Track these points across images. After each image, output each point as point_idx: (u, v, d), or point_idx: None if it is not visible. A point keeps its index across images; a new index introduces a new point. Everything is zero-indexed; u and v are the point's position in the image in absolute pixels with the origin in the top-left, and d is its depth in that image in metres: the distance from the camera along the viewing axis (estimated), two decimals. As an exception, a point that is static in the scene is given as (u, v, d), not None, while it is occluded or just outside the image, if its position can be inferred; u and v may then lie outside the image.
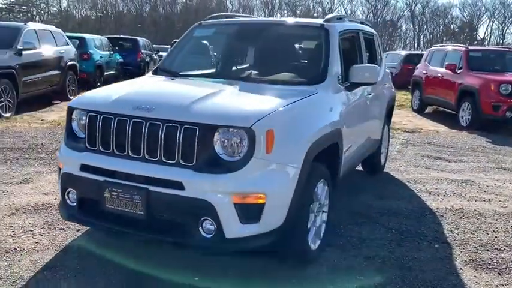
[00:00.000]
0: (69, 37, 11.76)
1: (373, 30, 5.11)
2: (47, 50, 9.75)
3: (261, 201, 2.53)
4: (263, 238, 2.61)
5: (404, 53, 19.58)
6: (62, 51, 10.43)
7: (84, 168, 2.81)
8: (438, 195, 4.79)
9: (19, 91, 8.44)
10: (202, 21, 4.21)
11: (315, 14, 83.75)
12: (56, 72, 10.03)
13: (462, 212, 4.28)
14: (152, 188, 2.58)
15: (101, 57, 13.51)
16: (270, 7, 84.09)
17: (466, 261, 3.30)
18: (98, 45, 13.73)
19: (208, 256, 3.06)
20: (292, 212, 2.70)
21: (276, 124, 2.62)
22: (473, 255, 3.39)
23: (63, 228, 3.55)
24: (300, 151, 2.70)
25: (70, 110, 2.99)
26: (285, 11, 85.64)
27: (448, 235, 3.75)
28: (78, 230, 3.50)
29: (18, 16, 70.69)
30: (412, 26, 77.28)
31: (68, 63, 10.60)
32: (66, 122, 3.04)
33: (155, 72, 3.89)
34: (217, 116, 2.58)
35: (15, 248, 3.20)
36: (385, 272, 3.09)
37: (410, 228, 3.83)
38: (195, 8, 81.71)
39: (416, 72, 11.97)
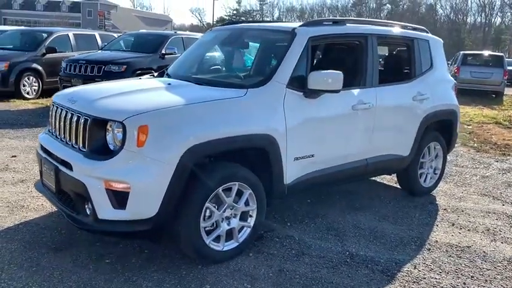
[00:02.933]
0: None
1: (414, 35, 4.56)
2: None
3: (125, 189, 2.78)
4: (133, 225, 2.85)
5: None
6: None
7: (41, 147, 3.49)
8: (462, 228, 4.05)
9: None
10: (214, 27, 4.51)
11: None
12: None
13: (462, 251, 3.58)
14: (60, 167, 3.09)
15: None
16: (487, 9, 75.40)
17: (387, 298, 2.87)
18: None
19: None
20: (169, 206, 2.86)
21: (153, 121, 2.82)
22: (404, 295, 2.91)
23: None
24: (177, 149, 2.82)
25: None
26: (508, 13, 75.70)
27: (405, 269, 3.25)
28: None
29: (239, 26, 79.91)
30: None
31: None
32: (52, 111, 3.78)
33: (161, 74, 4.37)
34: (104, 110, 2.94)
35: (23, 206, 4.10)
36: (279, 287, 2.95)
37: (369, 254, 3.44)
38: (401, 13, 79.06)
39: None
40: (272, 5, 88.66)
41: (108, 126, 2.91)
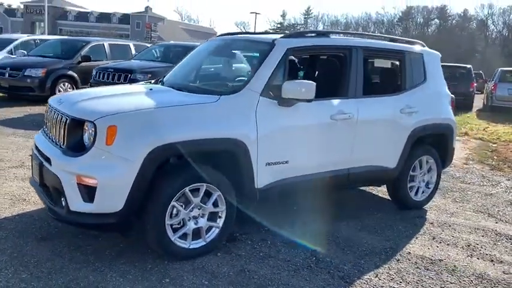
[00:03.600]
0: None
1: (405, 48, 4.60)
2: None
3: (93, 184, 3.01)
4: (100, 218, 3.07)
5: None
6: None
7: (34, 144, 3.79)
8: (441, 242, 4.01)
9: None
10: (213, 37, 4.74)
11: None
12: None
13: (432, 263, 3.57)
14: (44, 162, 3.37)
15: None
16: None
17: (338, 303, 2.93)
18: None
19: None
20: (133, 202, 3.06)
21: (122, 122, 3.05)
22: (356, 301, 2.96)
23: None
24: (142, 149, 3.01)
25: None
26: None
27: (366, 277, 3.29)
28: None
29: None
30: None
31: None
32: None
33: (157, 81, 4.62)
34: (81, 111, 3.20)
35: (25, 199, 4.43)
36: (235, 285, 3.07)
37: (335, 261, 3.50)
38: (449, 28, 77.10)
39: None
40: (316, 19, 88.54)
41: (85, 126, 3.16)
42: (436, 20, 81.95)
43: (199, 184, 3.29)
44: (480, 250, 3.90)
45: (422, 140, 4.72)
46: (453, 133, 4.95)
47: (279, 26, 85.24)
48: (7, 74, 10.90)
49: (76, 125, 3.18)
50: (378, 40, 4.50)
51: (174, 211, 3.25)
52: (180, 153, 3.20)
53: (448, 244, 3.99)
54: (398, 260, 3.60)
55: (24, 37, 14.14)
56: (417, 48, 4.76)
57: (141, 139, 3.05)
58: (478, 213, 4.92)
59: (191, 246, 3.36)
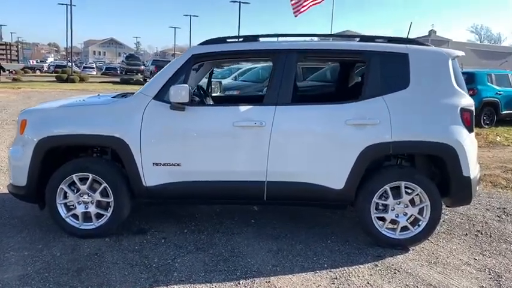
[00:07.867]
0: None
1: (372, 47, 3.79)
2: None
3: (8, 161, 3.99)
4: (17, 189, 3.99)
5: None
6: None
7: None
8: (334, 284, 3.18)
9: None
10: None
11: None
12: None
13: (269, 297, 2.97)
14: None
15: (496, 93, 12.48)
16: None
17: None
18: (497, 81, 12.64)
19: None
20: (32, 179, 3.85)
21: (30, 117, 3.93)
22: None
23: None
24: (34, 138, 3.78)
25: None
26: None
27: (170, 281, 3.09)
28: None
29: None
30: None
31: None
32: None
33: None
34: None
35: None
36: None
37: (175, 269, 3.36)
38: None
39: None
40: None
41: None
42: None
43: (86, 174, 3.82)
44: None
45: (398, 160, 3.75)
46: (458, 157, 3.66)
47: None
48: (214, 95, 13.30)
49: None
50: (326, 41, 3.88)
51: (68, 194, 3.88)
52: (67, 144, 3.86)
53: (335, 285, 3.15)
54: (239, 283, 3.16)
55: (248, 65, 16.64)
56: (397, 46, 3.81)
57: (36, 131, 3.85)
58: (481, 271, 3.47)
59: (82, 227, 3.90)
